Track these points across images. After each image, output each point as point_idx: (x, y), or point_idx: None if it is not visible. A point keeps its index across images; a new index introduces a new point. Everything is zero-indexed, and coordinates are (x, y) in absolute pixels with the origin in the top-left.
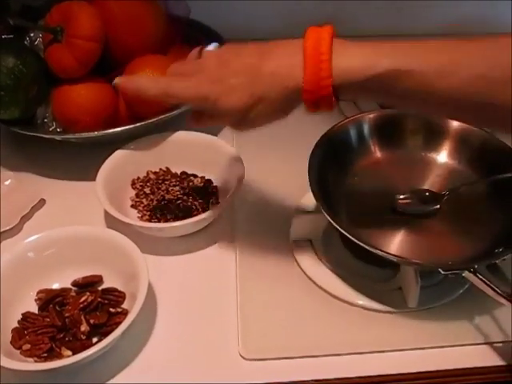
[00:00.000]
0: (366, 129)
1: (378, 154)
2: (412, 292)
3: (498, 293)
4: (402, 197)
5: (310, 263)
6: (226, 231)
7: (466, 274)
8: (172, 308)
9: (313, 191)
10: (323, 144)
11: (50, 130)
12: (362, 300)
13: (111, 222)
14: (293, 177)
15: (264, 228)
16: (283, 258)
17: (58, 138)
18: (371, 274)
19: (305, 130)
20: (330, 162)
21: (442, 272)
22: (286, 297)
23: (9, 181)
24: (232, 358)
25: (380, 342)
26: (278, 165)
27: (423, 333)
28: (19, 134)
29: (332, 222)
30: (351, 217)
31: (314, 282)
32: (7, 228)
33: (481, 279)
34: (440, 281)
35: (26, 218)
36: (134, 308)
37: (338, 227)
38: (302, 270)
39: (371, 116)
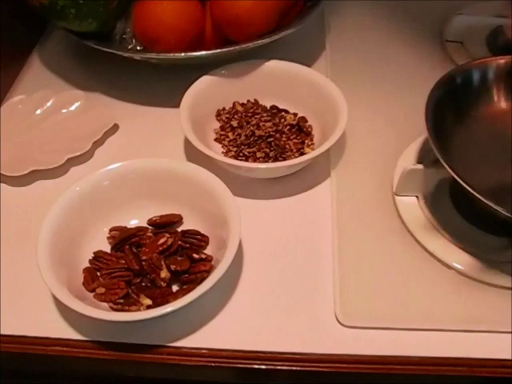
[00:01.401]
0: (492, 74)
1: (503, 103)
2: None
3: None
4: None
5: (417, 223)
6: (322, 176)
7: None
8: (259, 259)
9: (430, 136)
10: (443, 84)
11: (129, 47)
12: (475, 270)
13: (192, 155)
14: (397, 121)
15: (364, 177)
16: (385, 212)
17: (137, 57)
18: (485, 243)
19: (409, 72)
20: (449, 105)
21: None
22: (388, 257)
23: (79, 102)
24: (327, 323)
25: (494, 321)
26: (379, 106)
27: None
28: (93, 50)
29: (452, 173)
30: (467, 170)
31: (420, 244)
32: (77, 153)
33: None
34: None
35: (97, 143)
36: (225, 256)
37: (460, 180)
38: (407, 228)
39: (501, 61)
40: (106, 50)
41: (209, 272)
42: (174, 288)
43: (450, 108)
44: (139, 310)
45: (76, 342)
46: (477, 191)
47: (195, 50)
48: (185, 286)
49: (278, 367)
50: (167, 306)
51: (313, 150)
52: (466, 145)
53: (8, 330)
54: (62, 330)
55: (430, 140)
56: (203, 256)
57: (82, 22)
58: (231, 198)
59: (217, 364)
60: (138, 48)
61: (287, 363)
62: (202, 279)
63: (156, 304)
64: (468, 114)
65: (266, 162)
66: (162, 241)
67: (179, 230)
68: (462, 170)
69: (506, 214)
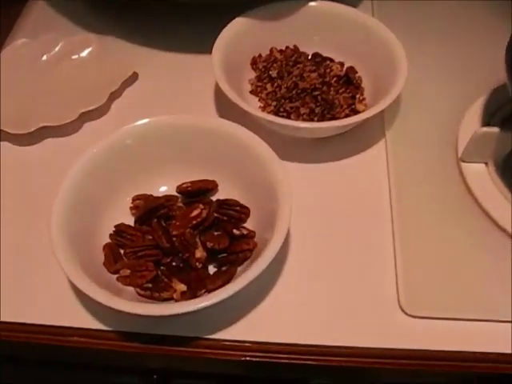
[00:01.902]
0: None
1: None
2: None
3: None
4: None
5: (488, 194)
6: (375, 137)
7: None
8: (307, 235)
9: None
10: None
11: None
12: None
13: (223, 109)
14: (460, 74)
15: (423, 139)
16: (450, 182)
17: None
18: None
19: (473, 15)
20: None
21: None
22: (455, 233)
23: (92, 47)
24: (388, 312)
25: None
26: (438, 55)
27: None
28: None
29: None
30: None
31: (492, 219)
32: (92, 107)
33: None
34: None
35: (114, 95)
36: (276, 233)
37: None
38: (477, 201)
39: None
40: None
41: (252, 251)
42: (211, 269)
43: None
44: (172, 296)
45: (97, 333)
46: None
47: None
48: (224, 268)
49: (334, 363)
50: (209, 298)
51: (365, 106)
52: None
53: (21, 317)
54: (82, 319)
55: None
56: (244, 232)
57: None
58: (278, 162)
59: (262, 359)
60: None
61: (343, 358)
62: (245, 259)
63: (191, 290)
64: None
65: (312, 119)
66: (195, 213)
67: (214, 199)
68: None
69: None
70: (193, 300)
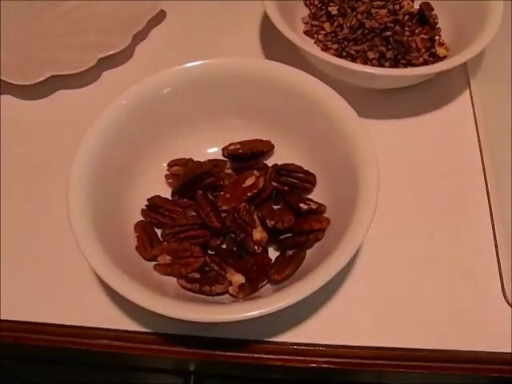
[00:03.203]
0: None
1: None
2: None
3: None
4: None
5: None
6: (458, 87)
7: None
8: (383, 211)
9: None
10: None
11: None
12: None
13: (273, 54)
14: None
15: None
16: None
17: None
18: None
19: None
20: None
21: None
22: None
23: None
24: (494, 306)
25: None
26: None
27: None
28: None
29: None
30: None
31: None
32: (112, 52)
33: None
34: None
35: (138, 37)
36: (360, 214)
37: None
38: None
39: None
40: None
41: (324, 231)
42: (271, 254)
43: None
44: (226, 290)
45: (131, 334)
46: None
47: None
48: (289, 252)
49: (436, 370)
50: (284, 297)
51: (447, 50)
52: None
53: (43, 317)
54: (113, 319)
55: None
56: (313, 206)
57: None
58: (358, 122)
59: (335, 366)
60: None
61: (440, 364)
62: (315, 241)
63: (251, 281)
64: None
65: (382, 64)
66: (249, 181)
67: (270, 164)
68: None
69: None
70: (256, 301)
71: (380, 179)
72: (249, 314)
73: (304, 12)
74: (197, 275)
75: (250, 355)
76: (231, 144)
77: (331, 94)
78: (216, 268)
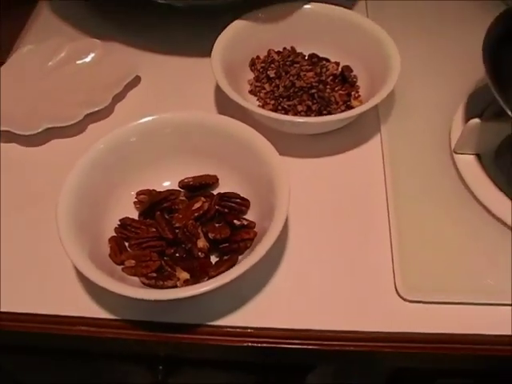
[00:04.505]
0: None
1: None
2: None
3: None
4: None
5: (480, 184)
6: (371, 132)
7: None
8: (306, 226)
9: (490, 80)
10: (503, 21)
11: None
12: None
13: (224, 109)
14: (452, 69)
15: (418, 132)
16: (443, 171)
17: (161, 0)
18: None
19: (463, 11)
20: (508, 45)
21: None
22: (449, 221)
23: (96, 52)
24: (386, 297)
25: None
26: (430, 51)
27: None
28: None
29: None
30: None
31: (485, 207)
32: (96, 108)
33: None
34: None
35: (118, 97)
36: (274, 222)
37: None
38: (470, 190)
39: None
40: None
41: (252, 240)
42: (213, 259)
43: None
44: (175, 284)
45: (104, 321)
46: None
47: None
48: (225, 257)
49: (335, 347)
50: (210, 283)
51: (361, 102)
52: None
53: (28, 308)
54: (88, 308)
55: (491, 84)
56: (245, 222)
57: None
58: (276, 156)
59: (265, 345)
60: None
61: (342, 343)
62: (245, 248)
63: (195, 278)
64: None
65: (309, 115)
66: (197, 205)
67: (215, 192)
68: None
69: None
70: (194, 285)
71: (291, 201)
72: (186, 293)
73: (250, 75)
74: (154, 274)
75: (195, 337)
76: (186, 178)
77: (260, 138)
78: (169, 269)
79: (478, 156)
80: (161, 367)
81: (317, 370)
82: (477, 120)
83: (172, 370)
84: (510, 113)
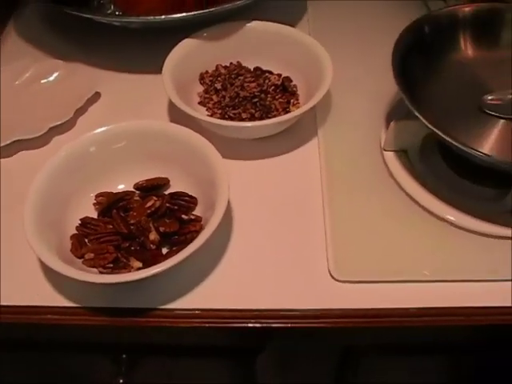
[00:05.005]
0: (458, 22)
1: (469, 51)
2: None
3: None
4: (489, 97)
5: (406, 176)
6: (309, 135)
7: None
8: (249, 220)
9: (398, 84)
10: (410, 34)
11: (108, 13)
12: (465, 220)
13: (176, 120)
14: (383, 77)
15: (351, 133)
16: (374, 168)
17: (116, 22)
18: (475, 193)
19: (387, 24)
20: (417, 55)
21: None
22: (379, 211)
23: (58, 72)
24: (321, 278)
25: (487, 270)
26: (363, 62)
27: None
28: (71, 17)
29: (426, 122)
30: (436, 115)
31: (412, 197)
32: (60, 122)
33: None
34: None
35: (80, 112)
36: (214, 215)
37: (434, 129)
38: (398, 182)
39: (466, 9)
40: (84, 15)
41: (198, 232)
42: (165, 250)
43: (420, 56)
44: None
45: (68, 309)
46: (450, 137)
47: (177, 12)
48: (175, 248)
49: (273, 325)
50: (157, 266)
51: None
52: (436, 93)
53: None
54: (53, 298)
55: (399, 88)
56: (192, 217)
57: None
58: (219, 158)
59: (211, 324)
60: (117, 13)
61: (282, 320)
62: (192, 240)
63: (147, 266)
64: (437, 63)
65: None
66: (149, 203)
67: (167, 192)
68: (435, 119)
69: (480, 156)
70: (143, 270)
71: (236, 198)
72: (134, 277)
73: (200, 88)
74: (111, 265)
75: (150, 320)
76: (140, 181)
77: (205, 143)
78: (124, 260)
79: (406, 152)
80: (124, 356)
81: (266, 352)
82: (398, 119)
83: (135, 361)
84: (416, 112)
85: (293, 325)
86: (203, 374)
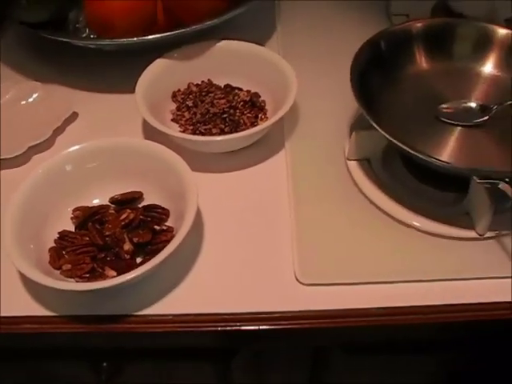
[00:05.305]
0: (412, 37)
1: (424, 63)
2: (483, 217)
3: None
4: (444, 105)
5: (369, 183)
6: (276, 148)
7: (501, 185)
8: (219, 228)
9: (356, 96)
10: (368, 49)
11: (83, 36)
12: (425, 224)
13: (150, 136)
14: (347, 92)
15: (317, 145)
16: (339, 177)
17: (91, 45)
18: (435, 198)
19: (353, 40)
20: (374, 69)
21: (478, 181)
22: (343, 218)
23: (37, 93)
24: (287, 282)
25: (443, 270)
26: (329, 79)
27: (489, 261)
28: (49, 40)
29: (378, 128)
30: (394, 125)
31: (374, 203)
32: (38, 141)
33: None
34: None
35: (57, 131)
36: (183, 225)
37: (385, 134)
38: (361, 190)
39: (419, 24)
40: (60, 39)
41: (170, 242)
42: (140, 260)
43: (378, 70)
44: None
45: (46, 319)
46: (407, 146)
47: (149, 34)
48: (148, 257)
49: (242, 328)
50: (128, 274)
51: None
52: (394, 104)
53: None
54: (32, 308)
55: (357, 100)
56: (164, 227)
57: (35, 12)
58: (188, 171)
59: (183, 329)
60: (92, 36)
61: (251, 323)
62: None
63: (121, 275)
64: (394, 76)
65: None
66: (123, 216)
67: (141, 205)
68: (391, 129)
69: (438, 163)
70: (116, 277)
71: (207, 208)
72: (105, 284)
73: (172, 106)
74: (87, 275)
75: (125, 326)
76: (115, 195)
77: (176, 157)
78: (100, 270)
79: (369, 161)
80: (105, 364)
81: (240, 354)
82: (359, 131)
83: (115, 368)
84: (374, 124)
85: (261, 327)
86: (183, 376)
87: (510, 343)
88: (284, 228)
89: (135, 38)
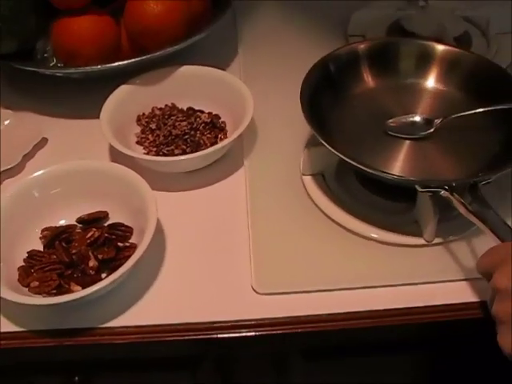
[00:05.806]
0: (358, 57)
1: (371, 82)
2: (429, 224)
3: (469, 211)
4: (391, 120)
5: (323, 197)
6: (236, 166)
7: (443, 193)
8: (182, 244)
9: (305, 115)
10: (317, 71)
11: (51, 65)
12: (376, 233)
13: (116, 159)
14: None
15: (275, 162)
16: (295, 192)
17: (59, 73)
18: (387, 208)
19: (312, 61)
20: (325, 89)
21: (419, 189)
22: (299, 231)
23: (8, 120)
24: (245, 292)
25: (394, 276)
26: (288, 99)
27: (437, 266)
28: (18, 70)
29: (326, 144)
30: (345, 141)
31: (328, 216)
32: (8, 167)
33: (456, 198)
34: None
35: (27, 157)
36: (143, 241)
37: (332, 149)
38: (316, 204)
39: (363, 45)
40: (28, 68)
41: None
42: (104, 275)
43: (328, 90)
44: None
45: (14, 334)
46: (354, 161)
47: (114, 61)
48: (112, 272)
49: (201, 336)
50: (92, 287)
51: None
52: (345, 122)
53: None
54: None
55: (306, 120)
56: (127, 244)
57: (3, 42)
58: (148, 189)
59: (147, 339)
60: (59, 65)
61: (210, 332)
62: None
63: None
64: (344, 95)
65: None
66: (89, 234)
67: (106, 224)
68: (342, 146)
69: (382, 175)
70: (81, 291)
71: (169, 225)
72: (69, 298)
73: (137, 129)
74: (54, 291)
75: (90, 338)
76: (82, 215)
77: (138, 178)
78: (66, 286)
79: (323, 175)
80: (77, 378)
81: (206, 362)
82: (311, 147)
83: (87, 382)
84: (323, 142)
85: (220, 335)
86: None
87: (458, 344)
88: (242, 242)
89: (99, 66)
